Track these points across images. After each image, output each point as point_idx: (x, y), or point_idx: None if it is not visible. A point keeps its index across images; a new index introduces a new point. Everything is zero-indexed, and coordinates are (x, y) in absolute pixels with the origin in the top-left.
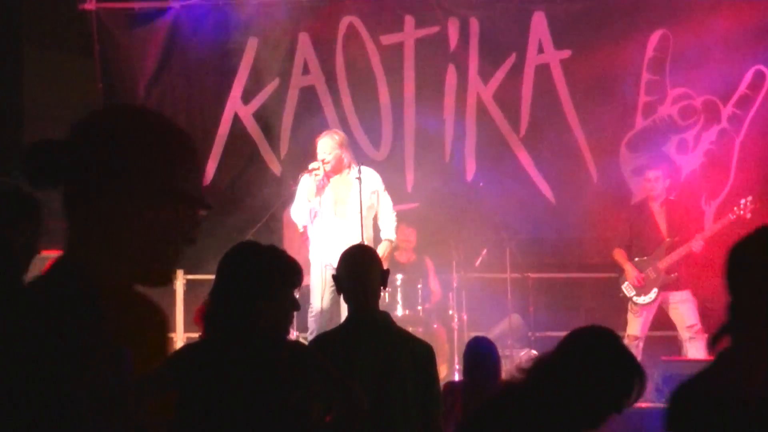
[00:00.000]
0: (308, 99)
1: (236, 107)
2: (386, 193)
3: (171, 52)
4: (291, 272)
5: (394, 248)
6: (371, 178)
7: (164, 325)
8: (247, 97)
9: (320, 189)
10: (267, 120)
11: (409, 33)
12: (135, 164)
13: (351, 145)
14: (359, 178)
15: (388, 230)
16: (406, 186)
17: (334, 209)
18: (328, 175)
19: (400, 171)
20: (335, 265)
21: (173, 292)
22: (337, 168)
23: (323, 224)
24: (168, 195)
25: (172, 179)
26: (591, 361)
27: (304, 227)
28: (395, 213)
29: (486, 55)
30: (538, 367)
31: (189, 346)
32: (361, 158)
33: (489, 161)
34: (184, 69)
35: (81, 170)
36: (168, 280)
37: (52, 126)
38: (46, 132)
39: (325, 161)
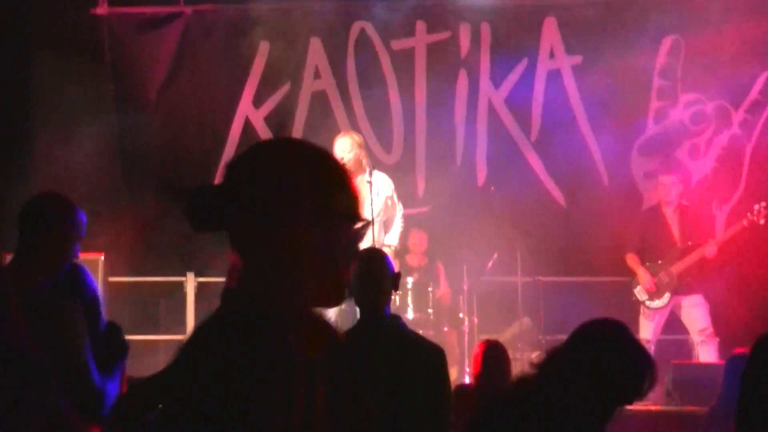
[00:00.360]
0: (319, 103)
1: (247, 111)
2: (398, 199)
3: (182, 57)
4: None
5: (396, 253)
6: (384, 183)
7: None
8: (258, 102)
9: None
10: (278, 124)
11: (421, 38)
12: (294, 193)
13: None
14: (370, 182)
15: (392, 236)
16: (417, 190)
17: None
18: None
19: (411, 175)
20: None
21: (184, 295)
22: (355, 169)
23: None
24: (328, 216)
25: (328, 201)
26: (601, 354)
27: None
28: (403, 220)
29: (497, 61)
30: (549, 361)
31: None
32: (372, 163)
33: (500, 166)
34: (196, 74)
35: (244, 209)
36: (342, 298)
37: (61, 130)
38: (55, 135)
39: (342, 160)
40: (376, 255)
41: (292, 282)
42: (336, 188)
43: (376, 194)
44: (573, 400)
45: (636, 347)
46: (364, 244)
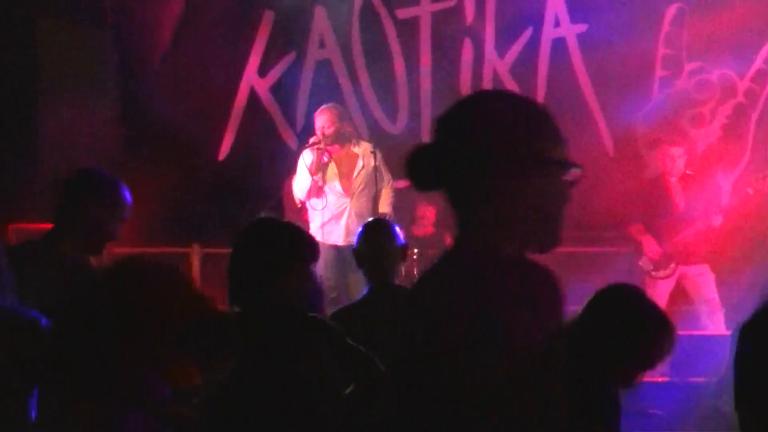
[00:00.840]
0: (324, 73)
1: (252, 81)
2: (383, 164)
3: (186, 23)
4: (308, 248)
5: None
6: (371, 153)
7: (558, 288)
8: (263, 71)
9: (322, 165)
10: (283, 94)
11: (425, 7)
12: (511, 145)
13: (352, 119)
14: (374, 152)
15: (384, 205)
16: None
17: (341, 185)
18: (329, 150)
19: (417, 143)
20: (340, 243)
21: (189, 265)
22: (338, 142)
23: (328, 201)
24: (542, 164)
25: (542, 149)
26: (621, 317)
27: (302, 202)
28: (392, 190)
29: (502, 29)
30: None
31: (210, 320)
32: (377, 132)
33: None
34: (200, 41)
35: (461, 165)
36: (558, 241)
37: (66, 97)
38: (60, 103)
39: (325, 134)
40: (384, 226)
41: (513, 231)
42: (550, 137)
43: (361, 166)
44: (594, 367)
45: (654, 310)
46: (357, 217)
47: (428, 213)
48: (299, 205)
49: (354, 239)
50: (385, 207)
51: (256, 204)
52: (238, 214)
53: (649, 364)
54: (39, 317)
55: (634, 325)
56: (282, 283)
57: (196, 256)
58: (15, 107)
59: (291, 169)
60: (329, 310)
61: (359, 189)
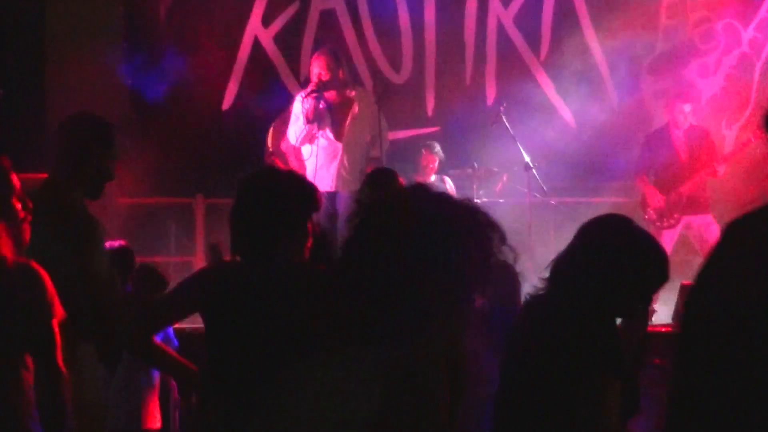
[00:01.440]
0: (328, 22)
1: (256, 30)
2: (381, 113)
3: None
4: (310, 198)
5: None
6: (367, 99)
7: None
8: (267, 21)
9: (319, 111)
10: (287, 44)
11: None
12: None
13: (348, 63)
14: (351, 98)
15: (376, 149)
16: (427, 110)
17: (333, 132)
18: (325, 96)
19: (421, 95)
20: (330, 189)
21: (193, 216)
22: (335, 87)
23: (320, 147)
24: None
25: None
26: (608, 249)
27: (295, 148)
28: (387, 137)
29: None
30: (557, 269)
31: (214, 269)
32: (381, 81)
33: (509, 85)
34: None
35: None
36: None
37: (73, 52)
38: (67, 57)
39: (321, 80)
40: (388, 174)
41: None
42: None
43: (356, 111)
44: (590, 301)
45: (644, 235)
46: (353, 164)
47: (431, 161)
48: (285, 151)
49: (342, 186)
50: (377, 152)
51: (259, 154)
52: (241, 165)
53: (645, 292)
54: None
55: (627, 250)
56: (285, 234)
57: (200, 206)
58: (22, 61)
59: None
60: None
61: (352, 135)
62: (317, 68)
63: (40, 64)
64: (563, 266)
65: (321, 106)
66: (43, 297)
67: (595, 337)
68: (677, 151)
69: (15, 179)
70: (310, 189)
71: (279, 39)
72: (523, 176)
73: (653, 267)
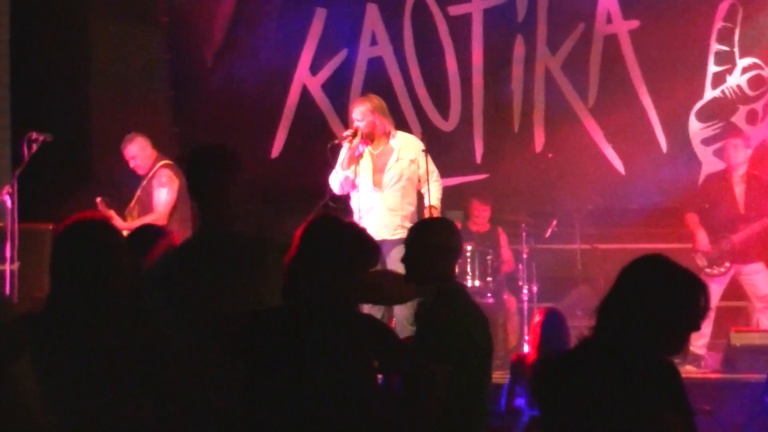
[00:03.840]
0: (376, 70)
1: (304, 78)
2: (429, 159)
3: (239, 22)
4: (371, 251)
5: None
6: (409, 145)
7: None
8: (315, 68)
9: (354, 158)
10: (335, 91)
11: (477, 4)
12: None
13: (388, 111)
14: (425, 151)
15: (432, 198)
16: (475, 157)
17: (372, 179)
18: (365, 143)
19: (469, 142)
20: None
21: None
22: (372, 135)
23: (361, 195)
24: None
25: None
26: (650, 288)
27: (335, 195)
28: (439, 183)
29: (554, 26)
30: (603, 314)
31: (264, 312)
32: (429, 129)
33: (557, 132)
34: (252, 39)
35: None
36: None
37: (118, 95)
38: (112, 99)
39: (357, 127)
40: (440, 224)
41: None
42: None
43: (395, 159)
44: (637, 341)
45: (683, 272)
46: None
47: (483, 211)
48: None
49: (385, 233)
50: (433, 201)
51: (308, 202)
52: (290, 213)
53: (692, 325)
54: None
55: (665, 291)
56: (343, 282)
57: None
58: (68, 107)
59: None
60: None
61: (391, 183)
62: (356, 114)
63: (85, 111)
64: (608, 310)
65: (357, 153)
66: None
67: (653, 377)
68: (734, 197)
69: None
70: (371, 241)
71: (327, 86)
72: (573, 222)
73: (693, 302)
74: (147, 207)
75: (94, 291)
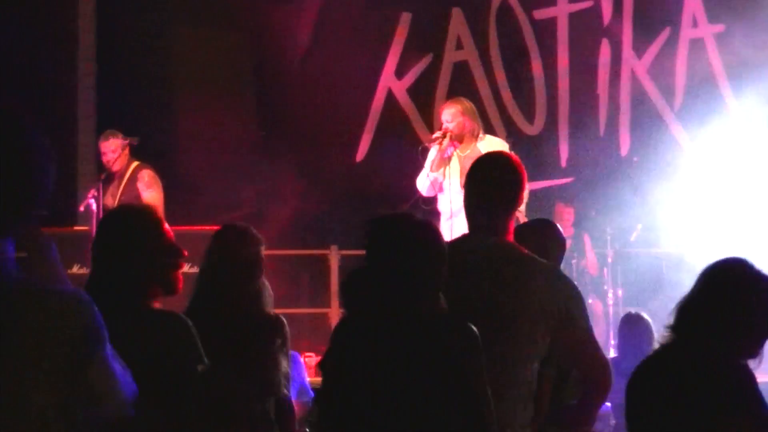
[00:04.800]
0: (461, 74)
1: (390, 82)
2: None
3: (324, 26)
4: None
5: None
6: (496, 148)
7: None
8: (400, 72)
9: (443, 160)
10: (420, 95)
11: (562, 7)
12: None
13: (478, 114)
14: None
15: None
16: (560, 161)
17: (460, 181)
18: (454, 145)
19: (554, 146)
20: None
21: (328, 268)
22: (461, 137)
23: (450, 198)
24: None
25: None
26: (729, 293)
27: (424, 198)
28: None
29: (640, 30)
30: (681, 317)
31: (344, 322)
32: (514, 133)
33: (643, 136)
34: (338, 44)
35: None
36: None
37: (204, 99)
38: (197, 104)
39: (447, 129)
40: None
41: None
42: None
43: None
44: (716, 346)
45: (763, 277)
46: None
47: (567, 214)
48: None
49: None
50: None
51: (393, 205)
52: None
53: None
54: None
55: (745, 296)
56: (423, 285)
57: (334, 258)
58: (154, 111)
59: None
60: None
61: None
62: (445, 116)
63: (170, 115)
64: (687, 313)
65: (446, 155)
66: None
67: (734, 381)
68: None
69: (163, 226)
70: (443, 242)
71: (412, 90)
72: (658, 227)
73: None
74: None
75: (124, 279)
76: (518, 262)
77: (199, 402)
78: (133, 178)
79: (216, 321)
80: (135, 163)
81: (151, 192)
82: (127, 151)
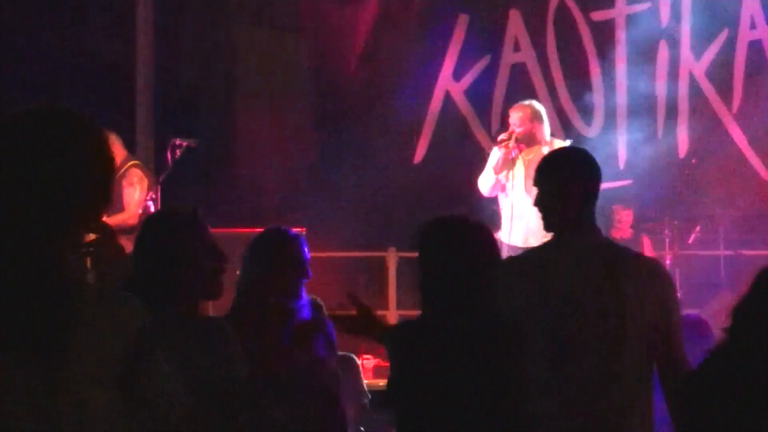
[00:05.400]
0: (519, 76)
1: (447, 85)
2: None
3: (381, 28)
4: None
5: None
6: None
7: None
8: (457, 75)
9: (507, 162)
10: (478, 97)
11: (621, 9)
12: None
13: (546, 118)
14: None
15: None
16: (618, 163)
17: (524, 185)
18: (520, 148)
19: (612, 148)
20: (519, 244)
21: (385, 270)
22: (528, 141)
23: (512, 201)
24: None
25: None
26: None
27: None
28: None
29: (698, 32)
30: (737, 322)
31: (407, 323)
32: (572, 135)
33: (701, 137)
34: (395, 46)
35: None
36: None
37: (262, 101)
38: (256, 106)
39: (513, 131)
40: None
41: None
42: None
43: None
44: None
45: None
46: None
47: (625, 216)
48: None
49: (532, 240)
50: None
51: (451, 207)
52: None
53: None
54: None
55: None
56: (482, 285)
57: (392, 260)
58: (213, 113)
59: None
60: None
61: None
62: (513, 118)
63: (230, 116)
64: (743, 316)
65: (512, 157)
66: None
67: None
68: None
69: (206, 231)
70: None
71: (470, 93)
72: (717, 228)
73: None
74: (118, 206)
75: (168, 284)
76: (618, 258)
77: (247, 408)
78: (122, 177)
79: (261, 324)
80: (130, 162)
81: (129, 189)
82: (121, 152)
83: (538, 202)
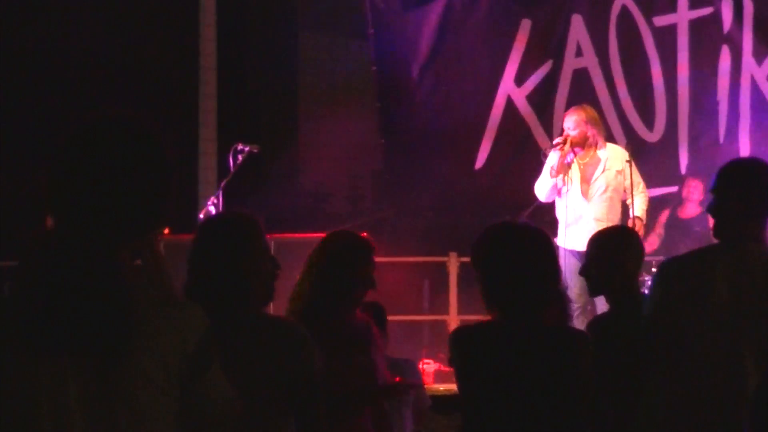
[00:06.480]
0: (581, 81)
1: (509, 90)
2: (635, 169)
3: (444, 34)
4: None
5: (645, 227)
6: (616, 156)
7: None
8: (520, 80)
9: (563, 166)
10: (540, 102)
11: (683, 14)
12: None
13: (601, 122)
14: (629, 161)
15: (637, 209)
16: (680, 168)
17: (580, 189)
18: (574, 152)
19: (674, 153)
20: (578, 248)
21: (447, 275)
22: (582, 144)
23: (568, 204)
24: None
25: None
26: None
27: (541, 203)
28: (644, 195)
29: (760, 37)
30: None
31: (470, 328)
32: (634, 140)
33: (763, 143)
34: (458, 51)
35: None
36: None
37: (325, 106)
38: (319, 111)
39: (568, 135)
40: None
41: None
42: None
43: (602, 170)
44: None
45: None
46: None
47: (698, 187)
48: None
49: None
50: (637, 212)
51: (512, 213)
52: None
53: None
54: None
55: None
56: (548, 291)
57: (453, 264)
58: (276, 118)
59: None
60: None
61: (598, 193)
62: (568, 122)
63: (294, 122)
64: None
65: (567, 161)
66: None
67: None
68: None
69: (266, 236)
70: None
71: (532, 98)
72: None
73: None
74: None
75: (227, 289)
76: None
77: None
78: None
79: (325, 327)
80: None
81: None
82: None
83: (715, 210)
